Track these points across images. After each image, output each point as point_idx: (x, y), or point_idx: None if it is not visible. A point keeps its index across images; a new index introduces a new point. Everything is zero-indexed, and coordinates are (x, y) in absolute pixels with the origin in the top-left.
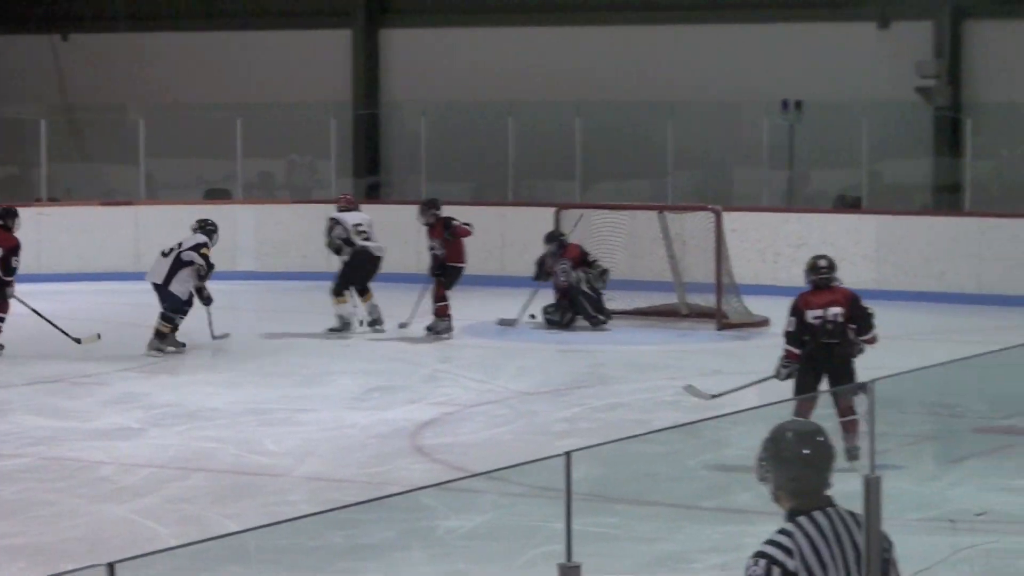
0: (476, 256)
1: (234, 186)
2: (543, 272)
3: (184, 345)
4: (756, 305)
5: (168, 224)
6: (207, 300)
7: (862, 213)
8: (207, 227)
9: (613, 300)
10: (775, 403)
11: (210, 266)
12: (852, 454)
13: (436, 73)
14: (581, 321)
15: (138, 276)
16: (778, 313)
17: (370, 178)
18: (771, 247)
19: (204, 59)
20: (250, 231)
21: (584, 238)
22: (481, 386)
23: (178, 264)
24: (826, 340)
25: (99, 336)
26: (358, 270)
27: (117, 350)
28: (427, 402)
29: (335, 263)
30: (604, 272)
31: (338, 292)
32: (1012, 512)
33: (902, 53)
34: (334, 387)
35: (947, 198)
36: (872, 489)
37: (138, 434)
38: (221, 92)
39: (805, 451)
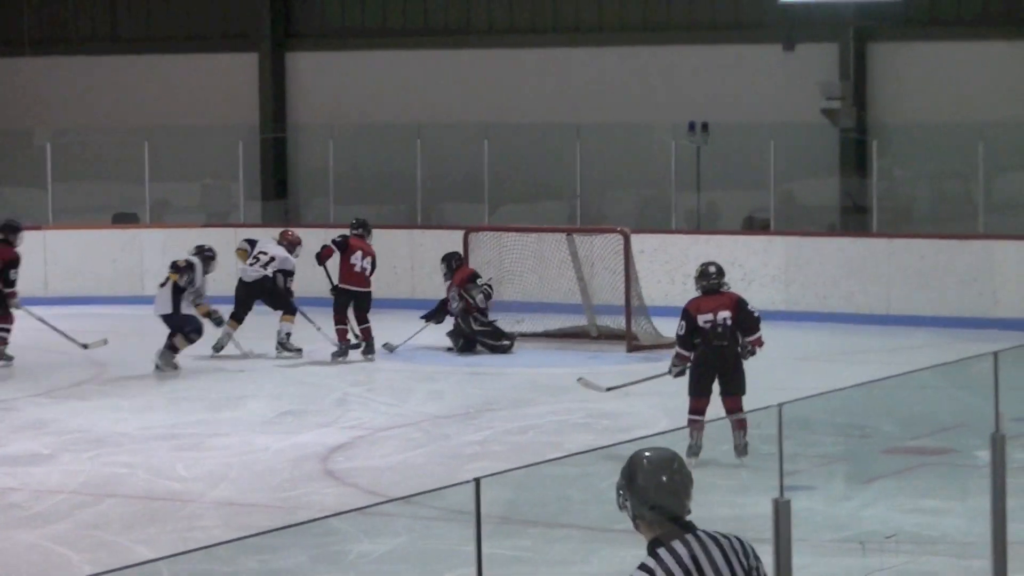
0: (386, 279)
1: (141, 210)
2: (441, 312)
3: (177, 368)
4: (666, 327)
5: (76, 249)
6: (218, 322)
7: (770, 235)
8: (204, 253)
9: (523, 322)
10: (680, 428)
11: (186, 281)
12: (741, 451)
13: (343, 96)
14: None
15: (47, 302)
16: None
17: (278, 202)
18: (680, 269)
19: (110, 82)
20: (157, 255)
21: (493, 262)
22: (392, 410)
23: (178, 290)
24: (717, 343)
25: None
26: (236, 295)
27: (26, 375)
28: (338, 426)
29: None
30: (483, 289)
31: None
32: (921, 532)
33: (808, 75)
34: (245, 411)
35: (854, 219)
36: (782, 512)
37: (48, 460)
38: (128, 115)
39: (662, 478)
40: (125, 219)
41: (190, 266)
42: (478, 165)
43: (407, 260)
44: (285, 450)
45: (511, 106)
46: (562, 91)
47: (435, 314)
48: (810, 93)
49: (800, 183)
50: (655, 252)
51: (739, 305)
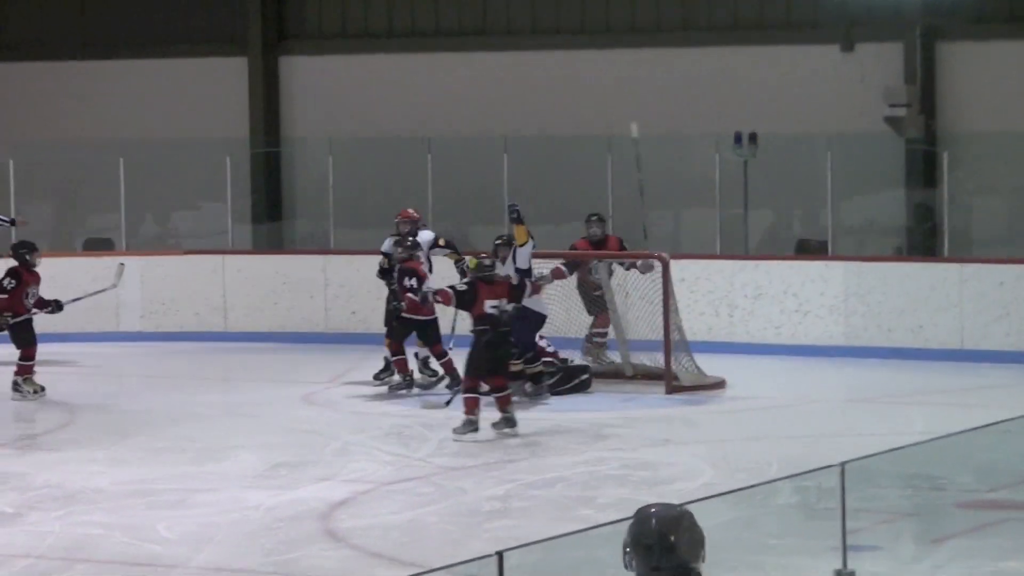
0: None
1: (116, 235)
2: None
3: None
4: (710, 365)
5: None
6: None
7: (827, 259)
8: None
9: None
10: (733, 491)
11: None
12: (510, 423)
13: (344, 105)
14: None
15: (7, 339)
16: (735, 373)
17: (271, 224)
18: (725, 299)
19: (81, 91)
20: (135, 286)
21: None
22: (400, 460)
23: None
24: (503, 329)
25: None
26: None
27: None
28: (340, 479)
29: (233, 322)
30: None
31: None
32: None
33: (869, 79)
34: (234, 463)
35: (923, 241)
36: None
37: (13, 520)
38: (101, 128)
39: (670, 539)
40: (98, 245)
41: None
42: (497, 182)
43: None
44: (280, 507)
45: (534, 116)
46: (592, 99)
47: None
48: (872, 99)
49: (861, 201)
50: (697, 280)
51: (512, 289)
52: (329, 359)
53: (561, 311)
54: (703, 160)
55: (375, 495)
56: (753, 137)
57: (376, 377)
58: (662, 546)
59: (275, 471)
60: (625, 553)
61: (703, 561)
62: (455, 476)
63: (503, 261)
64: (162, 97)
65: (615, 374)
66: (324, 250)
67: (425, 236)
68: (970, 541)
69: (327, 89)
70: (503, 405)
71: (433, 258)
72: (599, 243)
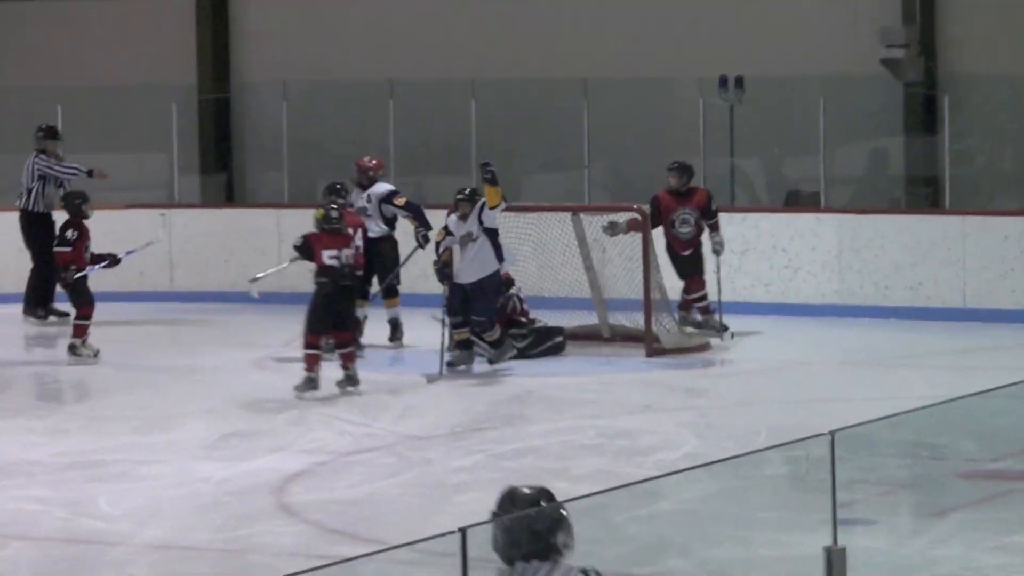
0: None
1: None
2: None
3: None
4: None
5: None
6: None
7: (820, 212)
8: None
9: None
10: (718, 461)
11: None
12: (351, 381)
13: (299, 47)
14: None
15: None
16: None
17: (220, 175)
18: (710, 255)
19: (14, 34)
20: None
21: None
22: (360, 429)
23: None
24: (343, 283)
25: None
26: None
27: None
28: (295, 450)
29: (180, 281)
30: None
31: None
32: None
33: (864, 18)
34: (181, 433)
35: (923, 192)
36: (835, 562)
37: None
38: (37, 73)
39: (528, 515)
40: None
41: None
42: (464, 130)
43: None
44: (231, 480)
45: (503, 58)
46: (566, 39)
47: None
48: (867, 40)
49: (856, 148)
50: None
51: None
52: (284, 320)
53: (534, 268)
54: (686, 106)
55: (333, 467)
56: (740, 81)
57: (391, 340)
58: (520, 524)
59: (226, 441)
60: (493, 537)
61: (568, 544)
62: (419, 446)
63: (464, 218)
64: (103, 40)
65: (591, 336)
66: (278, 203)
67: (380, 188)
68: (972, 514)
69: (281, 30)
70: (346, 362)
71: (388, 215)
72: (681, 195)
